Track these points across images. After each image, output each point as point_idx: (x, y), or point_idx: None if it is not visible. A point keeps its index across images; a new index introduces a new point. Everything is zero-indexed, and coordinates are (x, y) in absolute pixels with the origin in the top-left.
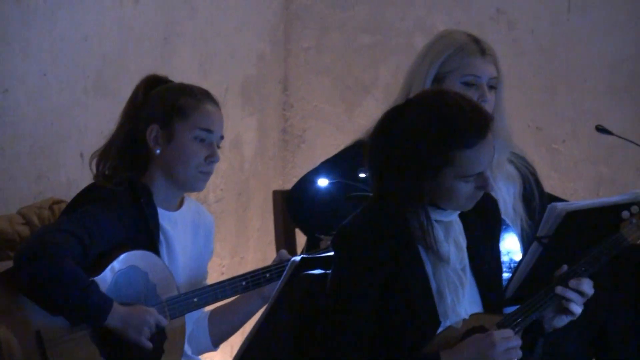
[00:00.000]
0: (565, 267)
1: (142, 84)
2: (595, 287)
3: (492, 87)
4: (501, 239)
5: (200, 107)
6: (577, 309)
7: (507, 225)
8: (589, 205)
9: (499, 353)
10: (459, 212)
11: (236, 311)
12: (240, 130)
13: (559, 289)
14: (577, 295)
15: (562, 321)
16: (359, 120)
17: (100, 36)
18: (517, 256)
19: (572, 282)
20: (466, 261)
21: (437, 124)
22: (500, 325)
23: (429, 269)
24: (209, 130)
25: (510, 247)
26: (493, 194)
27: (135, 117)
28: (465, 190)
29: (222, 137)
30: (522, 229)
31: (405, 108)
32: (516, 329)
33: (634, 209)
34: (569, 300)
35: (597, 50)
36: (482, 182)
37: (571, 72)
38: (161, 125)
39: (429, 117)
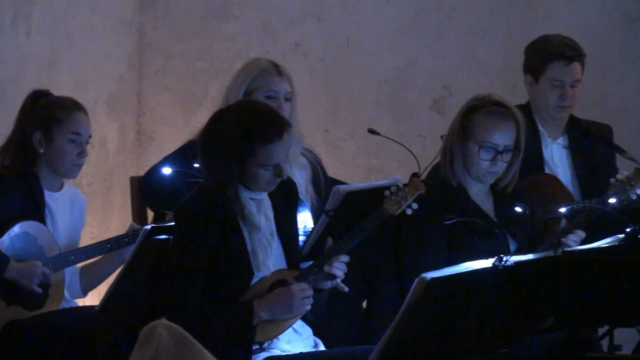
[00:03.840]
0: (329, 240)
1: (29, 97)
2: (366, 243)
3: (287, 100)
4: (298, 212)
5: (71, 116)
6: (333, 282)
7: (302, 202)
8: (363, 187)
9: (297, 300)
10: (267, 192)
11: (102, 267)
12: (105, 132)
13: (326, 268)
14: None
15: (328, 284)
16: (194, 125)
17: (2, 61)
18: (310, 225)
19: (335, 258)
20: (273, 228)
21: (244, 124)
22: (298, 278)
23: (245, 234)
24: (78, 134)
25: (305, 218)
26: (291, 177)
27: (25, 123)
28: (265, 177)
29: (89, 137)
30: (312, 204)
31: (223, 114)
32: (310, 282)
33: (393, 188)
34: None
35: (368, 72)
36: (277, 171)
37: (350, 88)
38: (43, 131)
39: (239, 119)
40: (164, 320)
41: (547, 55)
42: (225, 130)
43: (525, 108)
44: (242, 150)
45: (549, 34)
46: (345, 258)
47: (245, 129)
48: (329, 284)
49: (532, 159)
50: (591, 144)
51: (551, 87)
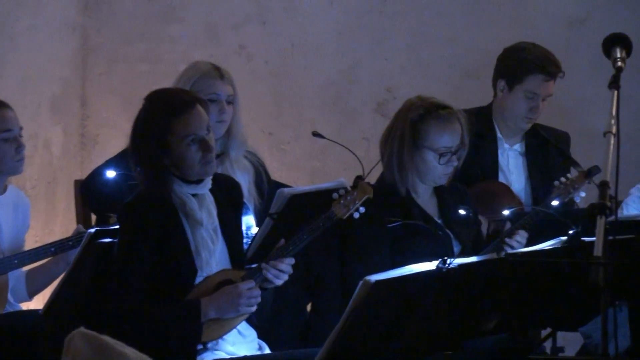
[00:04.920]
0: (282, 241)
1: None
2: (311, 246)
3: (229, 103)
4: (243, 215)
5: None
6: (278, 281)
7: (246, 205)
8: (308, 189)
9: (245, 299)
10: (209, 186)
11: (48, 270)
12: (49, 135)
13: (263, 265)
14: (277, 272)
15: (269, 285)
16: None
17: None
18: (253, 229)
19: (271, 263)
20: (216, 224)
21: (156, 105)
22: (244, 278)
23: (188, 232)
24: (9, 130)
25: (249, 221)
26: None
27: None
28: (194, 155)
29: (21, 128)
30: (255, 207)
31: (139, 112)
32: (257, 282)
33: (341, 191)
34: (273, 275)
35: (312, 75)
36: (203, 145)
37: (294, 91)
38: None
39: (151, 103)
40: (81, 329)
41: (528, 66)
42: (141, 120)
43: (486, 111)
44: (159, 130)
45: (524, 42)
46: (290, 261)
47: (156, 109)
48: (265, 286)
49: (488, 165)
50: (547, 152)
51: (524, 98)
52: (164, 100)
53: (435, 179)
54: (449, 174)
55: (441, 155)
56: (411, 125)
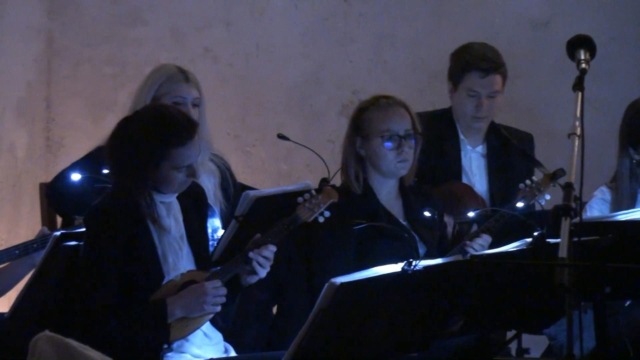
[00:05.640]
0: (258, 235)
1: None
2: (277, 250)
3: (195, 105)
4: (208, 218)
5: None
6: (262, 271)
7: (211, 208)
8: (273, 192)
9: (210, 298)
10: (177, 194)
11: (13, 272)
12: (14, 138)
13: (251, 254)
14: (264, 260)
15: (252, 279)
16: (103, 131)
17: None
18: (219, 231)
19: (255, 250)
20: (183, 231)
21: (157, 128)
22: (210, 279)
23: (155, 238)
24: None
25: (214, 224)
26: (200, 183)
27: None
28: (179, 178)
29: None
30: (221, 210)
31: (132, 119)
32: (223, 281)
33: (306, 195)
34: (259, 264)
35: (278, 77)
36: (191, 171)
37: (259, 94)
38: None
39: (151, 124)
40: (46, 332)
41: (465, 65)
42: (136, 135)
43: (448, 113)
44: (156, 154)
45: (474, 42)
46: (273, 248)
47: (158, 133)
48: (248, 281)
49: (451, 166)
50: (509, 153)
51: (467, 97)
52: (168, 127)
53: (391, 168)
54: (405, 161)
55: (388, 139)
56: (356, 118)
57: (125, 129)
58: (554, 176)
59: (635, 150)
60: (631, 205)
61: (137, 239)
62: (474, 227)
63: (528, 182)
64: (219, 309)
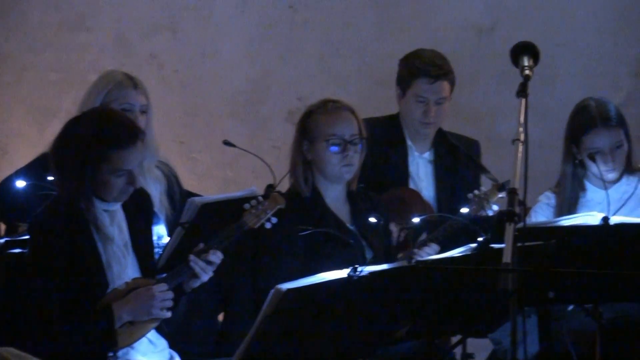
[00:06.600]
0: (202, 245)
1: None
2: (224, 259)
3: (143, 112)
4: (153, 225)
5: None
6: (205, 276)
7: (157, 215)
8: (219, 198)
9: (157, 301)
10: (120, 202)
11: None
12: None
13: (192, 258)
14: (206, 265)
15: (195, 283)
16: (48, 138)
17: None
18: (165, 238)
19: (202, 255)
20: (127, 239)
21: (98, 129)
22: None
23: (100, 246)
24: None
25: (160, 231)
26: (146, 189)
27: None
28: (119, 185)
29: None
30: (167, 217)
31: (76, 121)
32: (170, 286)
33: (253, 202)
34: (200, 268)
35: (223, 84)
36: (131, 179)
37: (205, 100)
38: None
39: (93, 125)
40: None
41: (414, 70)
42: (78, 137)
43: (396, 119)
44: (95, 155)
45: (423, 48)
46: (220, 254)
47: (99, 134)
48: (190, 285)
49: (398, 172)
50: (456, 160)
51: (415, 103)
52: (110, 129)
53: (336, 172)
54: (350, 166)
55: (333, 143)
56: (300, 123)
57: (68, 132)
58: (501, 187)
59: (578, 149)
60: (574, 208)
61: (81, 247)
62: (423, 234)
63: (477, 192)
64: (168, 314)
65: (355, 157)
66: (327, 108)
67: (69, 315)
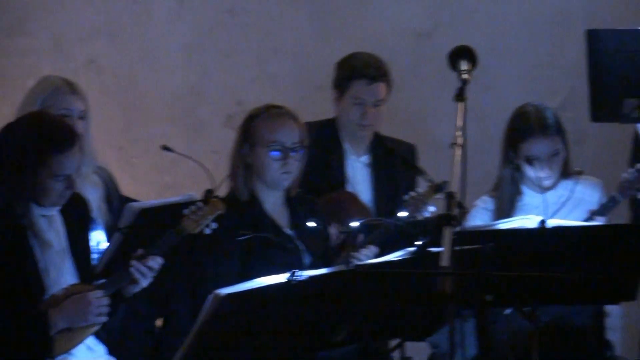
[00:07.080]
0: (140, 250)
1: None
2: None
3: (81, 118)
4: (91, 230)
5: None
6: (145, 281)
7: (95, 221)
8: (157, 204)
9: (93, 308)
10: (59, 207)
11: None
12: None
13: (133, 264)
14: (146, 269)
15: (135, 289)
16: None
17: None
18: (103, 244)
19: (142, 261)
20: (65, 245)
21: (36, 134)
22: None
23: (37, 251)
24: None
25: (98, 237)
26: (83, 195)
27: None
28: (57, 189)
29: None
30: (105, 222)
31: (12, 126)
32: (107, 292)
33: (192, 207)
34: (140, 273)
35: (162, 88)
36: (69, 183)
37: (144, 105)
38: None
39: (30, 129)
40: None
41: (351, 72)
42: (15, 141)
43: (332, 123)
44: (34, 160)
45: (359, 51)
46: (160, 259)
47: (37, 138)
48: (130, 291)
49: (334, 176)
50: (393, 163)
51: (353, 105)
52: (47, 133)
53: (275, 179)
54: (289, 173)
55: (271, 150)
56: (242, 126)
57: (5, 135)
58: (438, 188)
59: (515, 154)
60: (512, 212)
61: (17, 252)
62: (360, 237)
63: (413, 193)
64: (104, 319)
65: (296, 164)
66: (270, 113)
67: (4, 321)
